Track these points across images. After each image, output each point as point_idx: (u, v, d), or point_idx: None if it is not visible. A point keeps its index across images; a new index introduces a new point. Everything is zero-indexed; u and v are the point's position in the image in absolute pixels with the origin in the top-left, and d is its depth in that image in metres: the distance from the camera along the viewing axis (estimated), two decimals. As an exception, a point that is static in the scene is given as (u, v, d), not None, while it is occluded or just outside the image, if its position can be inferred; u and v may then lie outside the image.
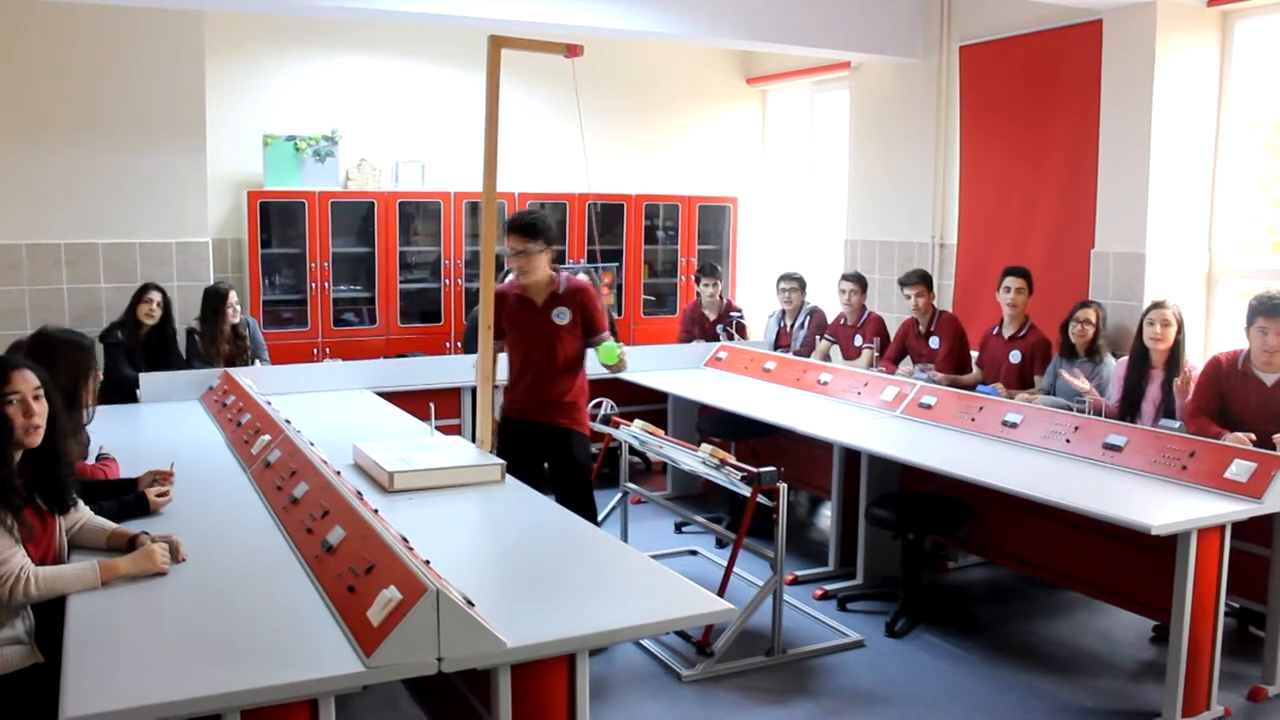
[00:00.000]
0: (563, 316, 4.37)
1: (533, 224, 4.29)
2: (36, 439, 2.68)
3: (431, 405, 4.33)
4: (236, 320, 6.16)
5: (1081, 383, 5.00)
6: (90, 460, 3.64)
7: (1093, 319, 5.34)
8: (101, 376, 3.64)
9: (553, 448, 4.44)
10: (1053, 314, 5.81)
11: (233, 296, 6.13)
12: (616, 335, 7.16)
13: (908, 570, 4.65)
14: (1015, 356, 5.65)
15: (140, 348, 5.94)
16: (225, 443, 4.37)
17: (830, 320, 6.91)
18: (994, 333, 5.86)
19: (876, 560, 5.01)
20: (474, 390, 4.50)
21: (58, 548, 2.81)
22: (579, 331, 4.42)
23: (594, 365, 4.55)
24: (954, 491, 4.56)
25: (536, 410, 4.43)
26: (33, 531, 2.66)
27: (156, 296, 5.99)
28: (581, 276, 4.72)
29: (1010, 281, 5.72)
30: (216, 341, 6.08)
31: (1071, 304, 5.58)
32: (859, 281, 6.63)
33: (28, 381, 2.67)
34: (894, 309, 7.03)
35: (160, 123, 6.49)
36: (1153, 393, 4.90)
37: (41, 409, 2.69)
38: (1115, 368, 5.26)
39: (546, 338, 4.37)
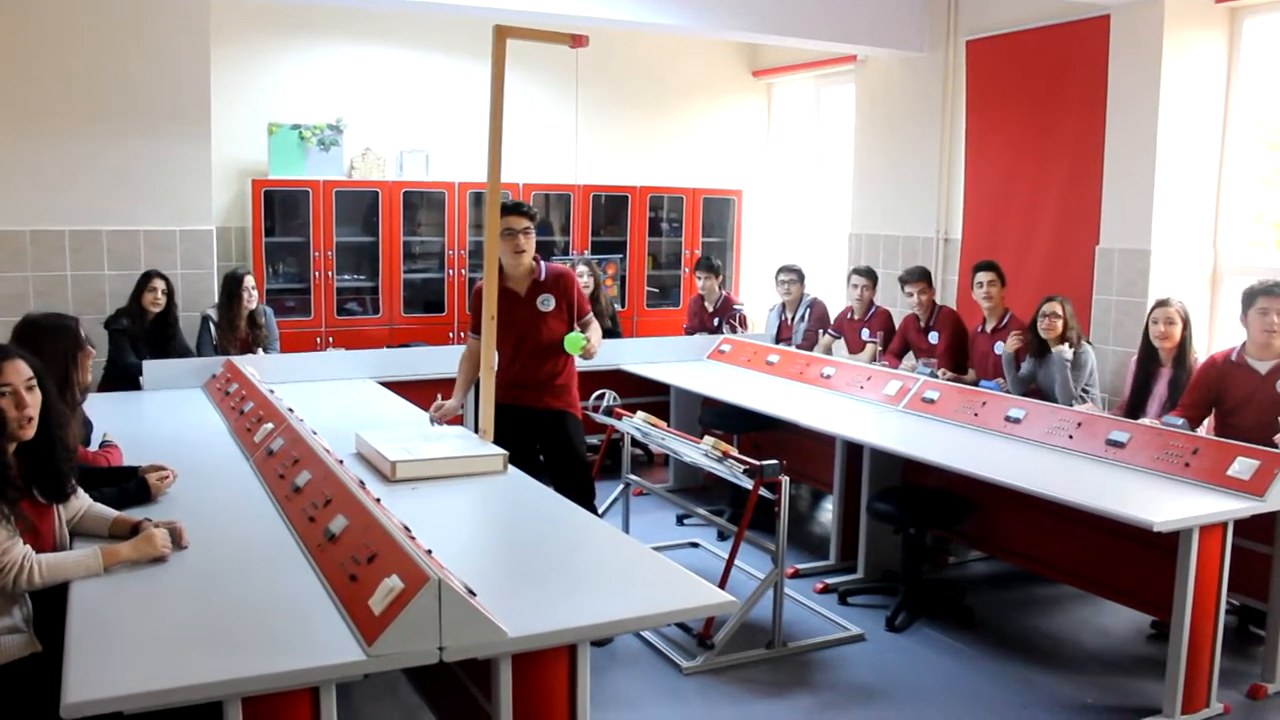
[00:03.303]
0: (548, 303, 4.46)
1: (530, 206, 4.55)
2: (30, 431, 2.64)
3: (439, 397, 4.35)
4: (253, 306, 6.17)
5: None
6: (93, 447, 3.64)
7: (1059, 312, 5.32)
8: (94, 352, 3.62)
9: (547, 431, 4.50)
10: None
11: (248, 281, 6.15)
12: (619, 329, 7.18)
13: (908, 565, 4.65)
14: (999, 348, 5.66)
15: (144, 335, 5.95)
16: (228, 431, 4.37)
17: (833, 313, 6.91)
18: (979, 330, 5.90)
19: (877, 554, 5.01)
20: (477, 381, 4.50)
21: (57, 538, 2.80)
22: (565, 317, 4.49)
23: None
24: (956, 486, 4.56)
25: (528, 394, 4.48)
26: (30, 523, 2.65)
27: (161, 284, 5.99)
28: (580, 267, 4.77)
29: (981, 276, 5.77)
30: (233, 327, 6.09)
31: (1076, 300, 5.58)
32: (870, 276, 6.62)
33: (19, 373, 2.63)
34: (898, 303, 7.03)
35: (165, 110, 6.48)
36: (1160, 390, 4.90)
37: (34, 400, 2.65)
38: (1092, 356, 5.32)
39: (533, 325, 4.45)
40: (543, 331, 4.46)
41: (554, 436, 4.51)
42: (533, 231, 4.45)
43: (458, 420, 4.75)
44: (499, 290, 4.41)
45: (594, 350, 4.41)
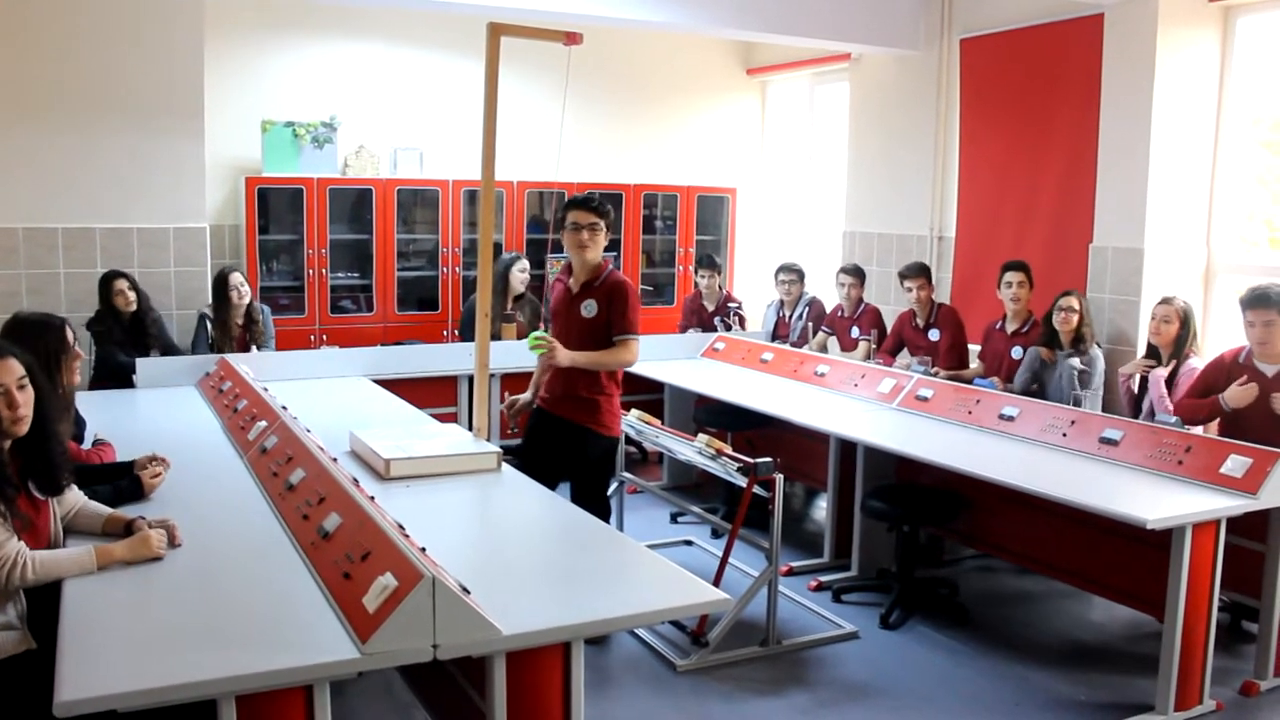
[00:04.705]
0: (590, 309, 4.25)
1: (601, 203, 4.27)
2: (23, 428, 2.64)
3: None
4: (243, 302, 6.16)
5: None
6: (86, 445, 3.63)
7: (1075, 306, 5.31)
8: (83, 356, 3.60)
9: (570, 445, 4.31)
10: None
11: (234, 278, 6.14)
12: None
13: (902, 562, 4.66)
14: (1018, 352, 5.64)
15: (126, 335, 5.90)
16: (221, 428, 4.37)
17: (828, 311, 6.92)
18: (996, 327, 5.85)
19: (871, 552, 5.02)
20: (470, 378, 4.49)
21: (52, 533, 2.80)
22: (604, 328, 4.25)
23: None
24: (950, 484, 4.56)
25: (560, 404, 4.33)
26: (27, 521, 2.65)
27: (124, 283, 5.90)
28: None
29: (1011, 276, 5.70)
30: (226, 324, 6.09)
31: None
32: (857, 274, 6.64)
33: (11, 372, 2.62)
34: (891, 301, 7.04)
35: (159, 108, 6.45)
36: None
37: (26, 398, 2.64)
38: (1101, 360, 5.30)
39: (573, 329, 4.26)
40: (578, 338, 4.23)
41: (575, 454, 4.32)
42: (601, 229, 4.21)
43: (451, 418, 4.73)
44: (559, 286, 4.40)
45: (556, 356, 4.10)
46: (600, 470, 4.39)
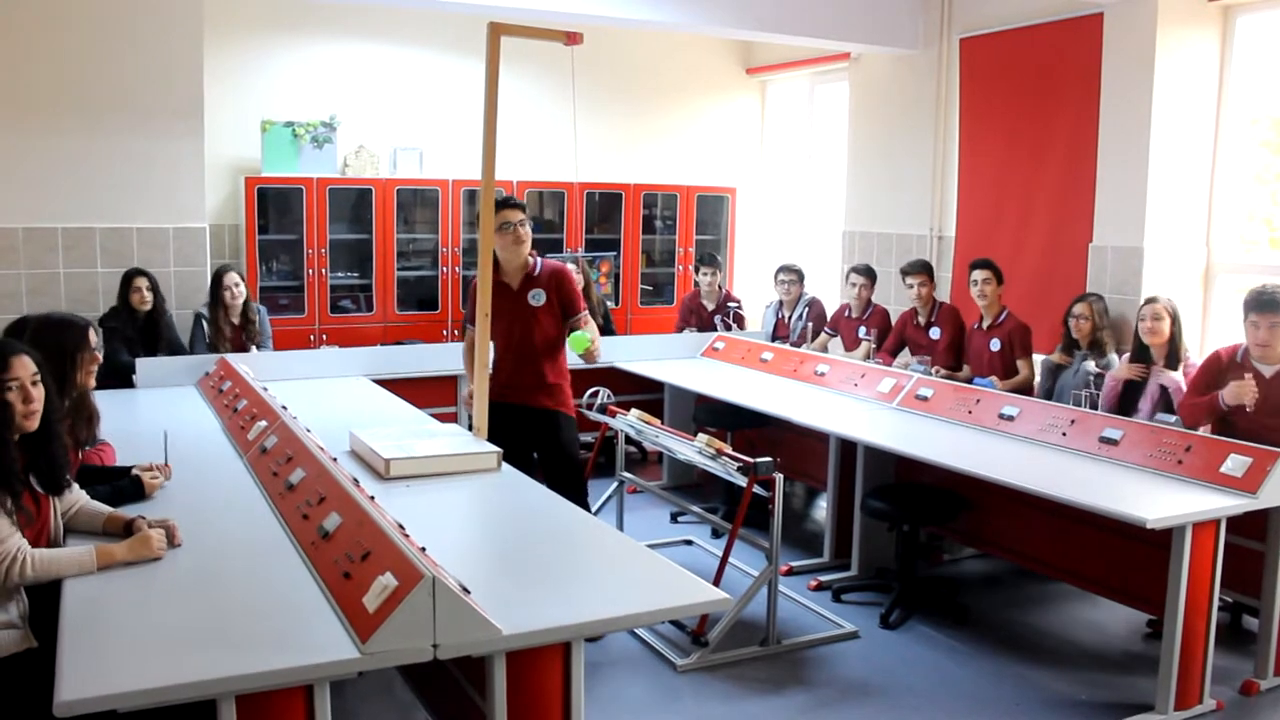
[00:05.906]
0: (538, 299, 4.46)
1: (521, 202, 4.56)
2: (34, 424, 2.68)
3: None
4: (239, 301, 6.17)
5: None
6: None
7: (1086, 313, 5.31)
8: (99, 358, 3.60)
9: (540, 430, 4.50)
10: (1050, 307, 5.81)
11: (229, 278, 6.15)
12: (612, 326, 7.18)
13: (903, 562, 4.66)
14: (995, 345, 5.67)
15: (137, 334, 5.93)
16: (221, 428, 4.37)
17: (830, 311, 6.92)
18: (975, 327, 5.90)
19: (871, 552, 5.02)
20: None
21: (53, 531, 2.81)
22: (557, 313, 4.50)
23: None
24: (950, 484, 4.56)
25: (521, 393, 4.48)
26: (30, 517, 2.66)
27: (144, 282, 5.98)
28: (570, 265, 4.90)
29: (977, 275, 5.75)
30: (223, 324, 6.09)
31: (1069, 297, 5.58)
32: (869, 275, 6.62)
33: (26, 368, 2.68)
34: (891, 300, 7.04)
35: (158, 107, 6.46)
36: (1152, 389, 4.90)
37: (39, 394, 2.70)
38: (1118, 363, 5.28)
39: (524, 320, 4.46)
40: (533, 327, 4.47)
41: (547, 436, 4.51)
42: (528, 224, 4.46)
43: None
44: (495, 284, 4.44)
45: (597, 353, 4.43)
46: (575, 451, 4.57)
